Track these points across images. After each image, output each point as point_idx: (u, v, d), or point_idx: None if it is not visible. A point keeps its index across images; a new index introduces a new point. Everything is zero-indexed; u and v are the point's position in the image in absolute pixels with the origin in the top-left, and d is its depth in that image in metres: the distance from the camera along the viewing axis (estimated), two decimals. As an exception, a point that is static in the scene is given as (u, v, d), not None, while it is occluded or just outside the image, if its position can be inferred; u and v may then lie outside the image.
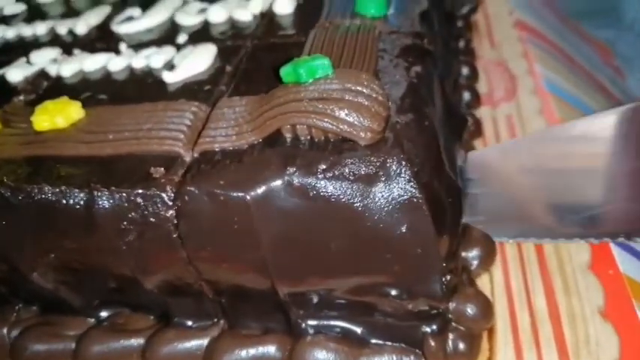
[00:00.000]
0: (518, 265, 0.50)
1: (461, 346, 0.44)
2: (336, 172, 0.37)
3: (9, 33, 0.64)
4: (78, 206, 0.40)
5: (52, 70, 0.54)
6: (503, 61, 0.78)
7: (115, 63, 0.53)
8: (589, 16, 0.84)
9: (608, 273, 0.49)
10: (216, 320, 0.47)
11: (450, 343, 0.43)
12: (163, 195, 0.39)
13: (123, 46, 0.56)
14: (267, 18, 0.57)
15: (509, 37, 0.79)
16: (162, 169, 0.40)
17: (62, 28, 0.62)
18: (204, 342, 0.46)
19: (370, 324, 0.44)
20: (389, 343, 0.44)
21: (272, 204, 0.38)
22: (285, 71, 0.41)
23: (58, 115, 0.44)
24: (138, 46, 0.56)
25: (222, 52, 0.52)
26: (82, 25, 0.61)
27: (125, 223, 0.40)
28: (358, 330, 0.45)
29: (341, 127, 0.38)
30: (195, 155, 0.41)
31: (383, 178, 0.37)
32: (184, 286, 0.44)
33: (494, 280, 0.50)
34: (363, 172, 0.37)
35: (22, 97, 0.51)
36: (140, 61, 0.53)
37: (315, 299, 0.43)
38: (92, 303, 0.48)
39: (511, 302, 0.48)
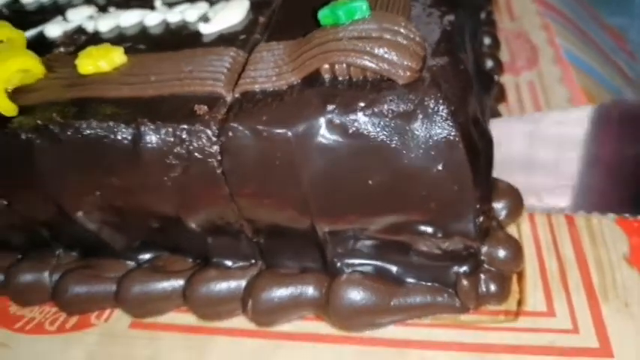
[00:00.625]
0: (545, 219, 0.52)
1: (492, 287, 0.45)
2: (375, 110, 0.38)
3: (42, -5, 0.65)
4: (125, 141, 0.42)
5: (89, 26, 0.56)
6: (523, 32, 0.79)
7: (151, 18, 0.54)
8: (603, 1, 0.85)
9: (632, 225, 0.50)
10: (254, 261, 0.48)
11: (482, 284, 0.45)
12: (207, 131, 0.41)
13: (157, 2, 0.57)
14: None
15: (528, 11, 0.81)
16: (206, 106, 0.41)
17: (95, -11, 0.63)
18: (243, 281, 0.47)
19: (405, 264, 0.45)
20: (423, 283, 0.46)
21: (312, 140, 0.39)
22: (323, 14, 0.42)
23: (101, 59, 0.46)
24: (171, 3, 0.57)
25: (254, 6, 0.53)
26: (115, -14, 0.62)
27: (170, 157, 0.41)
28: (393, 269, 0.46)
29: (380, 64, 0.39)
30: (237, 95, 0.42)
31: (420, 116, 0.38)
32: (225, 226, 0.45)
33: (522, 231, 0.52)
34: (401, 110, 0.38)
35: (62, 49, 0.53)
36: (175, 15, 0.54)
37: (352, 238, 0.44)
38: (133, 245, 0.50)
39: (539, 250, 0.49)
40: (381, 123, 0.38)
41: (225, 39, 0.49)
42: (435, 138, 0.38)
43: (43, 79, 0.48)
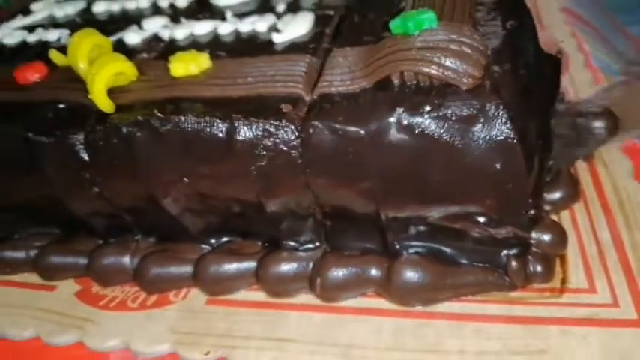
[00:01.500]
0: (582, 206, 0.57)
1: (539, 267, 0.50)
2: (440, 113, 0.43)
3: (114, 6, 0.72)
4: (220, 134, 0.47)
5: (165, 34, 0.62)
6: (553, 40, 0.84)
7: (223, 27, 0.60)
8: (624, 10, 0.91)
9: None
10: (318, 244, 0.53)
11: (530, 264, 0.50)
12: (291, 126, 0.46)
13: (228, 14, 0.63)
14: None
15: (556, 21, 0.86)
16: (290, 105, 0.47)
17: (163, 2, 0.69)
18: (309, 262, 0.53)
19: (459, 247, 0.51)
20: (475, 264, 0.51)
21: (382, 138, 0.44)
22: (394, 24, 0.48)
23: (191, 63, 0.52)
24: (240, 15, 0.63)
25: (319, 19, 0.59)
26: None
27: (259, 148, 0.47)
28: (448, 251, 0.51)
29: (445, 73, 0.44)
30: (315, 97, 0.48)
31: (481, 120, 0.42)
32: (298, 210, 0.51)
33: (562, 218, 0.57)
34: (464, 114, 0.42)
35: (145, 55, 0.59)
36: (246, 25, 0.60)
37: (412, 224, 0.50)
38: (210, 229, 0.55)
39: (578, 235, 0.54)
40: (445, 125, 0.43)
41: (296, 47, 0.55)
42: (494, 140, 0.42)
43: (136, 82, 0.54)
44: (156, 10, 0.70)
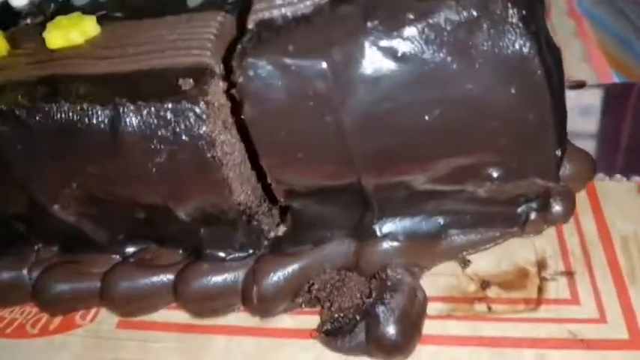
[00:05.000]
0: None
1: (557, 207, 0.41)
2: (430, 21, 0.31)
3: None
4: (102, 125, 0.37)
5: (59, -7, 0.50)
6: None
7: (129, -19, 0.49)
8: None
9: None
10: (252, 251, 0.43)
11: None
12: (195, 108, 0.36)
13: (135, -34, 0.51)
14: None
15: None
16: (192, 80, 0.36)
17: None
18: (240, 273, 0.43)
19: (454, 215, 0.41)
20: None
21: (353, 70, 0.32)
22: None
23: (72, 31, 0.40)
24: (152, -35, 0.51)
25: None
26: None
27: (155, 142, 0.36)
28: (437, 224, 0.41)
29: None
30: (250, 26, 0.34)
31: (485, 25, 0.31)
32: (219, 214, 0.40)
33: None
34: (461, 19, 0.31)
35: (28, 21, 0.47)
36: (156, -23, 0.48)
37: (400, 192, 0.38)
38: (117, 237, 0.45)
39: (559, 227, 0.45)
40: (438, 39, 0.31)
41: (210, 4, 0.43)
42: (505, 52, 0.31)
43: (7, 57, 0.43)
44: (57, -37, 0.57)
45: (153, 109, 0.36)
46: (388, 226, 0.41)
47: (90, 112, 0.37)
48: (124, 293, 0.44)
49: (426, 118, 0.33)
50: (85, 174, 0.39)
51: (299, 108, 0.33)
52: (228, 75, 0.35)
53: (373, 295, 0.40)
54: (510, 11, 0.31)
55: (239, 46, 0.33)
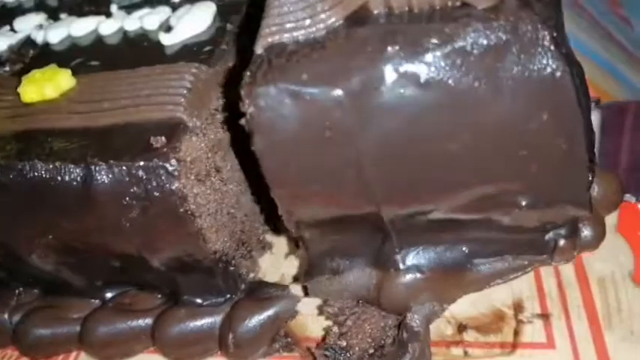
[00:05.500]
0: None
1: (588, 233, 0.40)
2: (455, 46, 0.29)
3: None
4: (75, 183, 0.37)
5: (39, 37, 0.51)
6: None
7: (106, 26, 0.49)
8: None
9: (636, 234, 0.46)
10: (229, 296, 0.44)
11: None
12: (167, 165, 0.36)
13: (114, 8, 0.52)
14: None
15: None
16: (164, 137, 0.37)
17: (46, -9, 0.58)
18: (217, 318, 0.43)
19: (480, 244, 0.39)
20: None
21: (372, 98, 0.30)
22: None
23: (46, 85, 0.41)
24: (130, 7, 0.52)
25: (221, 11, 0.48)
26: (68, -13, 0.57)
27: (127, 199, 0.37)
28: (462, 254, 0.39)
29: None
30: (260, 52, 0.32)
31: (515, 48, 0.29)
32: (194, 263, 0.41)
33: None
34: (489, 43, 0.29)
35: (7, 68, 0.48)
36: (133, 23, 0.49)
37: (423, 222, 0.36)
38: (96, 283, 0.45)
39: (537, 271, 0.45)
40: (464, 64, 0.29)
41: (188, 52, 0.44)
42: (537, 76, 0.29)
43: (-17, 109, 0.43)
44: (38, 3, 0.58)
45: (124, 167, 0.36)
46: (411, 257, 0.39)
47: (63, 170, 0.37)
48: (102, 338, 0.45)
49: (451, 146, 0.31)
50: (60, 227, 0.40)
51: (314, 139, 0.31)
52: (229, 105, 0.35)
53: (386, 344, 0.39)
54: (542, 33, 0.29)
55: (247, 73, 0.31)
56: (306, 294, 0.43)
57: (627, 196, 0.47)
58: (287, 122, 0.31)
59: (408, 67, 0.30)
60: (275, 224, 0.47)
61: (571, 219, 0.38)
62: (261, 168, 0.33)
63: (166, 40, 0.46)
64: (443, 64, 0.30)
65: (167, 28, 0.47)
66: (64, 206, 0.38)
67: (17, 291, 0.49)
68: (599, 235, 0.42)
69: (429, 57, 0.30)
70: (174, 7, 0.50)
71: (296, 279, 0.46)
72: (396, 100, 0.30)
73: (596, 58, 0.70)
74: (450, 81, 0.30)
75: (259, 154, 0.33)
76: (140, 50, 0.46)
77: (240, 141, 0.34)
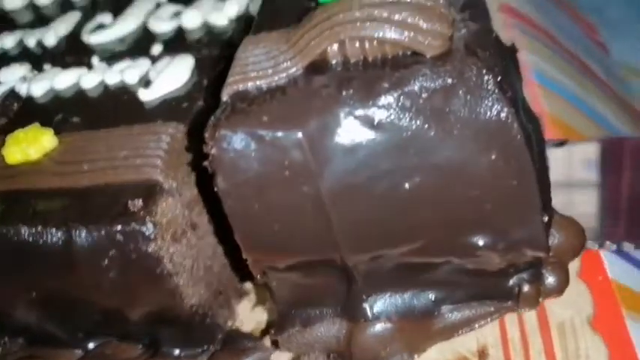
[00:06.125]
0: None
1: (551, 279, 0.41)
2: (405, 89, 0.31)
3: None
4: (56, 245, 0.39)
5: (22, 90, 0.52)
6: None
7: (88, 79, 0.51)
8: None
9: (597, 279, 0.48)
10: (207, 347, 0.45)
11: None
12: (143, 229, 0.38)
13: (95, 60, 0.53)
14: (244, 21, 0.54)
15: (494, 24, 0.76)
16: (141, 201, 0.38)
17: (31, 40, 0.59)
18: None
19: (444, 290, 0.40)
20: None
21: (329, 140, 0.32)
22: None
23: (29, 146, 0.42)
24: (111, 57, 0.53)
25: (199, 64, 0.50)
26: (51, 36, 0.58)
27: (106, 261, 0.38)
28: (427, 300, 0.40)
29: (405, 34, 0.32)
30: (225, 99, 0.35)
31: (461, 91, 0.31)
32: (172, 317, 0.42)
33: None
34: (436, 86, 0.31)
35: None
36: (114, 76, 0.50)
37: (388, 266, 0.37)
38: (78, 335, 0.47)
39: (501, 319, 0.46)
40: (414, 106, 0.31)
41: (165, 108, 0.46)
42: (483, 118, 0.31)
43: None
44: (22, 51, 0.59)
45: (103, 231, 0.38)
46: (379, 305, 0.40)
47: (45, 234, 0.39)
48: (85, 388, 0.46)
49: (406, 186, 0.33)
50: (42, 286, 0.41)
51: (274, 179, 0.33)
52: (194, 147, 0.37)
53: None
54: (486, 77, 0.31)
55: (212, 118, 0.34)
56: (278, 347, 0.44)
57: (590, 243, 0.49)
58: (248, 162, 0.33)
59: (362, 111, 0.32)
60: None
61: (533, 262, 0.39)
62: (224, 208, 0.35)
63: (145, 96, 0.47)
64: (394, 106, 0.32)
65: (146, 82, 0.49)
66: (47, 267, 0.40)
67: (3, 341, 0.50)
68: (563, 281, 0.42)
69: (381, 100, 0.32)
70: (154, 60, 0.51)
71: (270, 326, 0.47)
72: (352, 141, 0.32)
73: (567, 94, 0.72)
74: (402, 123, 0.32)
75: (222, 194, 0.34)
76: (120, 105, 0.47)
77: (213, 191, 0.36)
